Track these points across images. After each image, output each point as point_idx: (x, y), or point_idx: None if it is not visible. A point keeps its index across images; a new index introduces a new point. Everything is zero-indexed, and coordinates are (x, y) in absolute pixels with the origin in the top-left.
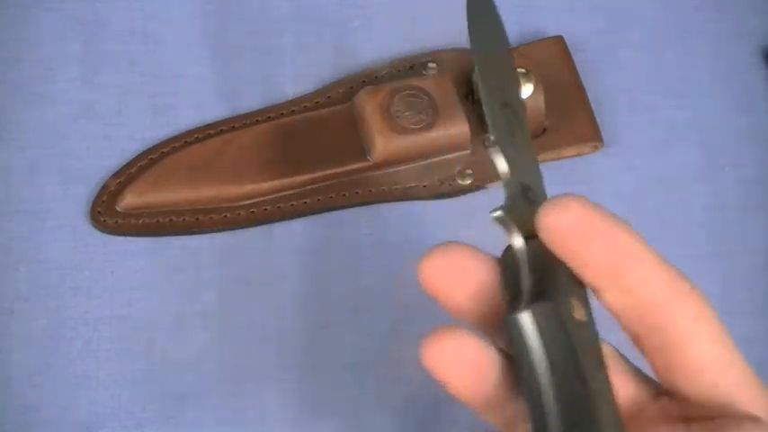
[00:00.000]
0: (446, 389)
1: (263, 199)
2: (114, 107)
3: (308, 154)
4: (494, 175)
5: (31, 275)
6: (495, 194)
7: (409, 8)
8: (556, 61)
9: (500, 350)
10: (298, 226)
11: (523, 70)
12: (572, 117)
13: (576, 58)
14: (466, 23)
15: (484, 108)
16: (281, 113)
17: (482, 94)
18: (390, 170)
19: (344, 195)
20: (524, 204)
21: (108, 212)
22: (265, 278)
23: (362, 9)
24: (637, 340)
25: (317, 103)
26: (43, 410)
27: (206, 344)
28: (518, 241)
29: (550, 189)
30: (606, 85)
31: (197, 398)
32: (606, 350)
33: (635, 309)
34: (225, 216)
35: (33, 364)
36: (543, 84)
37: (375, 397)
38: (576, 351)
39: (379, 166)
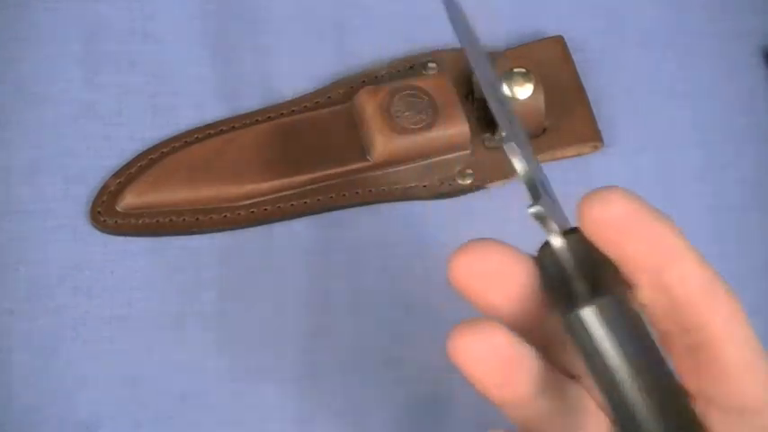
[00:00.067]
0: (473, 385)
1: (263, 199)
2: (114, 107)
3: (308, 154)
4: (494, 174)
5: (31, 275)
6: (496, 194)
7: (409, 8)
8: (556, 61)
9: (536, 349)
10: (298, 226)
11: (523, 70)
12: (572, 117)
13: (576, 58)
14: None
15: (490, 104)
16: (281, 113)
17: (486, 89)
18: (390, 170)
19: (344, 195)
20: (548, 199)
21: (108, 212)
22: (265, 278)
23: (362, 9)
24: (666, 338)
25: (316, 103)
26: (43, 410)
27: (206, 344)
28: (558, 236)
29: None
30: (606, 85)
31: (197, 398)
32: None
33: (671, 306)
34: (225, 216)
35: (33, 364)
36: (543, 84)
37: (375, 397)
38: (651, 340)
39: (379, 166)
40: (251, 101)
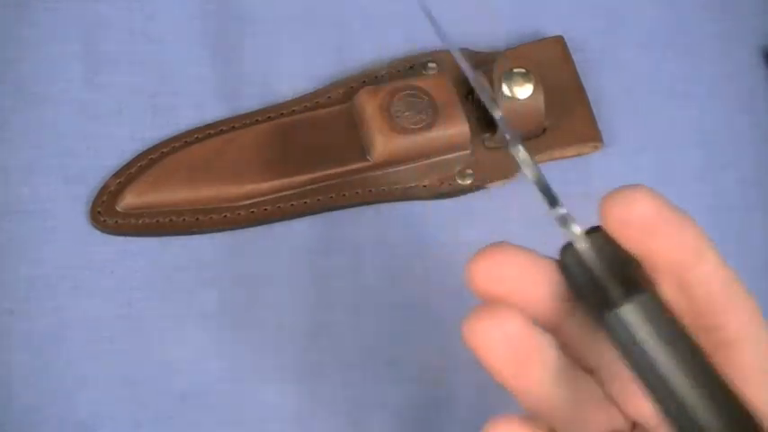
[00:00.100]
0: (487, 370)
1: (263, 199)
2: (114, 107)
3: (308, 154)
4: (494, 174)
5: (31, 275)
6: (496, 194)
7: (409, 8)
8: (556, 61)
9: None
10: (298, 226)
11: (523, 70)
12: (572, 117)
13: (576, 58)
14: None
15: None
16: (281, 113)
17: (481, 91)
18: (390, 170)
19: (344, 195)
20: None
21: (108, 212)
22: (265, 278)
23: (362, 9)
24: None
25: (317, 103)
26: (43, 410)
27: (206, 344)
28: (582, 237)
29: None
30: (606, 85)
31: (197, 398)
32: None
33: (691, 306)
34: (225, 216)
35: (33, 364)
36: (543, 84)
37: (375, 397)
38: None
39: (379, 166)
40: (251, 101)
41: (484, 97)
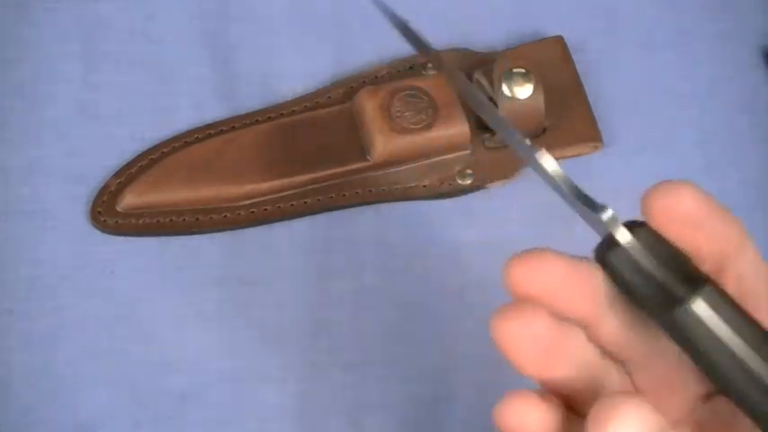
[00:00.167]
0: (515, 368)
1: (263, 199)
2: (114, 107)
3: (308, 154)
4: (494, 174)
5: (31, 275)
6: (496, 194)
7: (409, 8)
8: (555, 61)
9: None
10: (298, 226)
11: (523, 70)
12: (572, 117)
13: (576, 58)
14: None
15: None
16: (281, 113)
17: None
18: (390, 170)
19: (344, 195)
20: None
21: (108, 212)
22: (265, 278)
23: (362, 9)
24: None
25: (317, 103)
26: (43, 411)
27: (206, 344)
28: (627, 236)
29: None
30: (606, 85)
31: (197, 398)
32: None
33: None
34: (225, 216)
35: (33, 364)
36: (543, 84)
37: (375, 397)
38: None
39: (379, 166)
40: (251, 101)
41: (493, 123)
